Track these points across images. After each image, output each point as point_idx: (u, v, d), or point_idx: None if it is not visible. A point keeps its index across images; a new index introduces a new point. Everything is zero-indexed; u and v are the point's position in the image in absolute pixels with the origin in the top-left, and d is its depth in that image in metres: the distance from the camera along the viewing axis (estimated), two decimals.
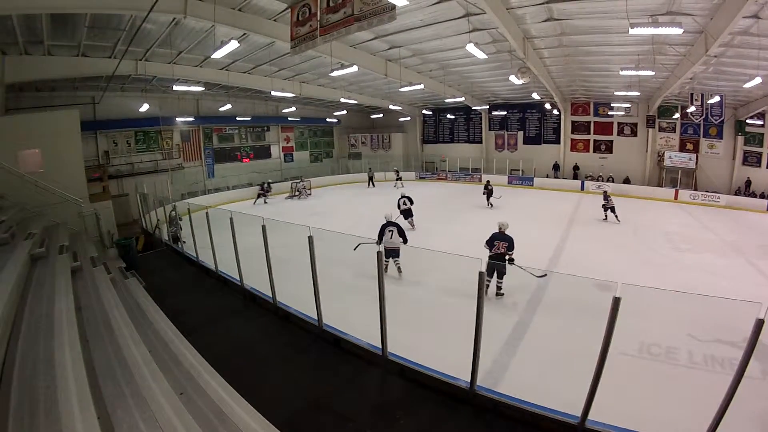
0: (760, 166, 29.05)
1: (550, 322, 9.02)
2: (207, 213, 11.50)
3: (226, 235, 10.17)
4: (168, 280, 11.67)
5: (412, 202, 17.72)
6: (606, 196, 19.95)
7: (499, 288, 10.07)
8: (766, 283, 12.67)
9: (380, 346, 6.68)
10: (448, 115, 39.86)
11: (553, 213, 22.20)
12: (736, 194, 28.94)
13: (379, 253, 6.23)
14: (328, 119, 38.54)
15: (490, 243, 10.28)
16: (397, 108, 34.94)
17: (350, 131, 43.05)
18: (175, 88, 20.26)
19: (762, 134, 28.83)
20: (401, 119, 40.31)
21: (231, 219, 9.95)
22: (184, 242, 14.27)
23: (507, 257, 9.98)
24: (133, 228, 20.43)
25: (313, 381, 6.41)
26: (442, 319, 8.57)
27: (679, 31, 12.34)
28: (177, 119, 27.24)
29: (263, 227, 8.49)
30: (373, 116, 41.33)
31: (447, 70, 23.95)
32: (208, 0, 12.43)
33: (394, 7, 8.71)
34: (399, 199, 17.82)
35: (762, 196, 27.67)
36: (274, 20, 14.49)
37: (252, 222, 8.93)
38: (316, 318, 7.74)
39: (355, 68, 17.33)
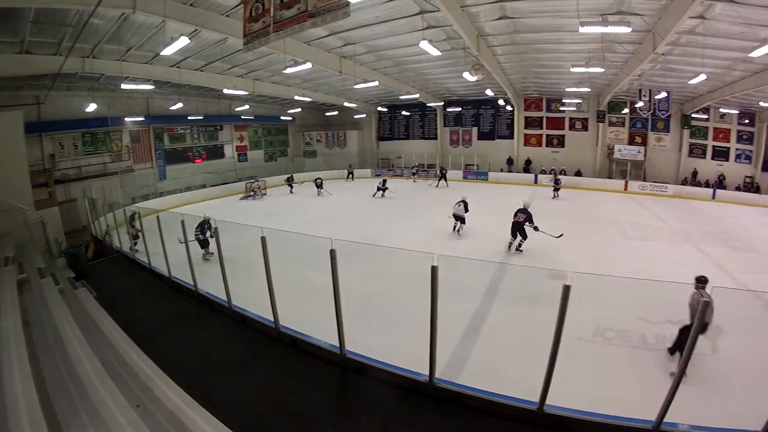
0: (705, 158, 31.69)
1: (507, 311, 9.19)
2: (158, 217, 11.17)
3: (178, 238, 9.96)
4: (120, 289, 11.23)
5: (467, 210, 16.50)
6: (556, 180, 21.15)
7: (519, 246, 14.17)
8: (712, 266, 13.39)
9: (338, 345, 6.65)
10: (404, 112, 39.92)
11: (507, 206, 22.40)
12: (683, 184, 31.02)
13: (332, 251, 6.16)
14: (282, 117, 38.23)
15: (515, 214, 13.96)
16: (353, 105, 34.63)
17: (305, 129, 42.59)
18: (123, 86, 19.54)
19: (706, 128, 31.26)
20: (356, 116, 40.15)
21: (182, 222, 9.72)
22: (137, 250, 13.65)
23: (528, 225, 13.61)
24: (82, 235, 19.47)
25: (273, 383, 6.34)
26: (401, 314, 8.56)
27: (627, 30, 12.83)
28: (126, 119, 26.14)
29: (215, 230, 8.33)
30: (328, 114, 40.80)
31: (402, 67, 24.01)
32: None
33: (348, 3, 8.63)
34: (455, 204, 16.56)
35: (707, 185, 30.55)
36: (227, 16, 14.11)
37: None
38: (272, 320, 7.63)
39: (309, 65, 17.06)
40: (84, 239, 17.86)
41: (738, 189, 30.02)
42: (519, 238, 13.95)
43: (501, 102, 33.97)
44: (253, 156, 37.55)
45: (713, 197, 28.98)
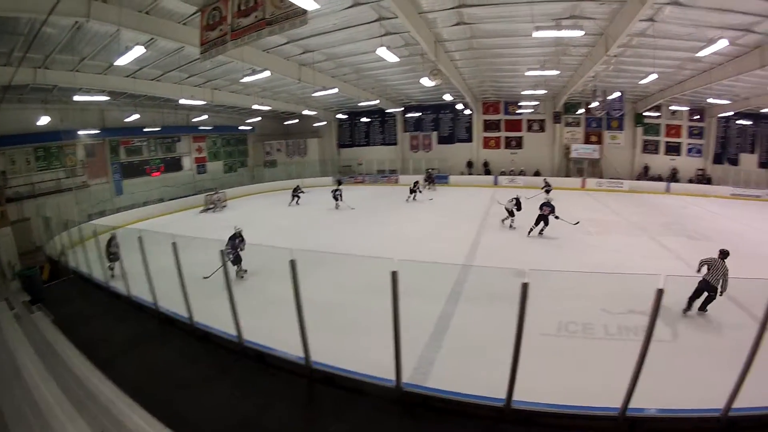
0: (657, 153, 34.45)
1: (472, 311, 9.25)
2: (114, 234, 10.85)
3: (137, 256, 9.54)
4: (78, 311, 10.74)
5: (519, 208, 18.06)
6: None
7: (541, 232, 16.47)
8: (669, 255, 14.20)
9: (304, 357, 6.58)
10: (363, 119, 39.95)
11: (469, 207, 23.14)
12: (637, 179, 33.01)
13: (292, 261, 6.08)
14: (241, 127, 37.65)
15: (540, 207, 16.39)
16: (312, 113, 34.49)
17: (265, 139, 42.02)
18: (76, 98, 18.95)
19: (658, 125, 33.58)
20: (316, 124, 39.72)
21: (140, 239, 9.45)
22: (113, 275, 12.37)
23: (553, 216, 16.12)
24: (36, 256, 18.59)
25: (239, 400, 6.22)
26: (366, 321, 8.46)
27: (580, 33, 13.29)
28: (80, 132, 25.00)
29: (174, 245, 8.13)
30: (287, 122, 40.41)
31: (361, 74, 24.03)
32: (112, 2, 11.59)
33: (305, 11, 8.62)
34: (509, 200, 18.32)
35: (659, 179, 32.94)
36: (184, 24, 13.72)
37: (166, 240, 8.43)
38: (236, 335, 7.48)
39: (267, 73, 16.96)
40: (39, 260, 17.05)
41: (691, 181, 32.39)
42: (542, 224, 16.41)
43: (460, 106, 34.63)
44: (212, 167, 36.69)
45: (667, 190, 30.91)
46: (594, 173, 34.31)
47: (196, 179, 34.64)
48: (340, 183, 24.77)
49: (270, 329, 7.74)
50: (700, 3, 13.52)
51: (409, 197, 26.33)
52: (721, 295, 8.37)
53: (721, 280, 8.27)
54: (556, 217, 16.27)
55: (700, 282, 8.59)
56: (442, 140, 38.60)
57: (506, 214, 18.46)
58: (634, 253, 14.15)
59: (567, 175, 34.45)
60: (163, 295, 9.39)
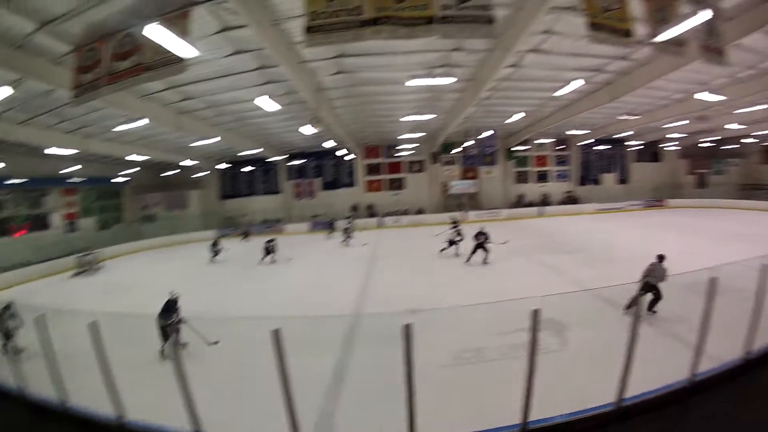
0: (528, 182, 39.39)
1: (368, 357, 9.04)
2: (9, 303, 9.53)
3: None
4: None
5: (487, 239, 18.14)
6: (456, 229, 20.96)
7: (485, 261, 17.30)
8: (547, 273, 15.43)
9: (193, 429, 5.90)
10: (246, 168, 38.96)
11: (354, 252, 23.21)
12: (513, 207, 36.83)
13: (180, 323, 5.52)
14: (116, 179, 34.58)
15: (475, 236, 17.52)
16: (193, 163, 33.35)
17: (142, 191, 38.67)
18: None
19: (527, 157, 38.46)
20: (197, 175, 38.21)
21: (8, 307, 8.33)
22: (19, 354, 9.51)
23: (487, 242, 17.27)
24: None
25: None
26: (255, 385, 7.60)
27: (451, 80, 14.40)
28: None
29: (38, 319, 7.11)
30: (166, 173, 38.23)
31: (243, 122, 23.59)
32: None
33: (183, 59, 8.54)
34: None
35: (533, 204, 37.63)
36: (57, 64, 12.19)
37: (31, 313, 7.28)
38: (116, 415, 6.38)
39: (145, 121, 16.33)
40: None
41: (561, 203, 37.71)
42: (481, 252, 17.39)
43: (342, 152, 35.25)
44: (84, 224, 32.87)
45: (541, 214, 35.20)
46: (473, 206, 36.73)
47: (67, 238, 30.38)
48: (270, 242, 22.59)
49: (154, 404, 6.62)
50: (558, 50, 15.37)
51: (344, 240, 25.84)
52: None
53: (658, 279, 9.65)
54: (498, 243, 17.80)
55: (643, 285, 9.64)
56: (326, 186, 38.91)
57: (447, 245, 20.04)
58: (517, 274, 15.26)
59: (448, 211, 35.92)
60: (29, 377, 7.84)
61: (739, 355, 6.58)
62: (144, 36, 7.98)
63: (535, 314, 5.02)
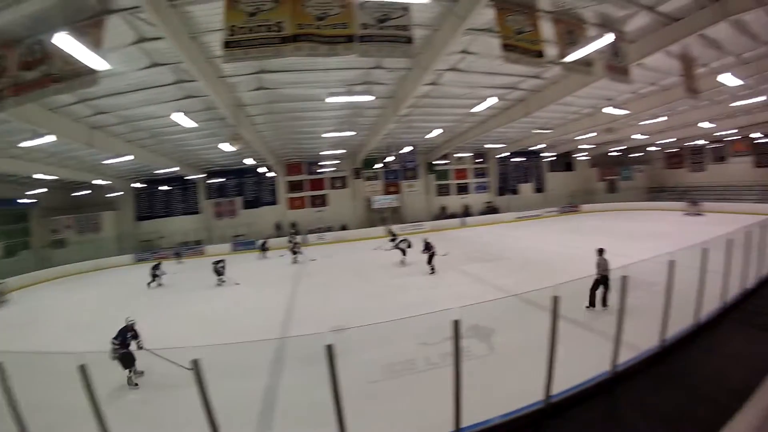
0: (449, 195, 41.14)
1: (298, 379, 8.69)
2: None
3: None
4: None
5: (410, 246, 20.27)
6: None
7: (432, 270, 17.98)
8: (473, 282, 15.82)
9: None
10: (163, 187, 36.92)
11: (280, 272, 22.61)
12: (436, 219, 38.02)
13: (82, 367, 5.01)
14: (22, 200, 30.95)
15: (427, 247, 18.32)
16: (106, 182, 31.24)
17: (51, 213, 34.88)
18: None
19: (447, 170, 40.27)
20: (111, 195, 35.58)
21: None
22: None
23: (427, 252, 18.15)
24: None
25: None
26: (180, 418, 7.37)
27: (370, 98, 14.70)
28: None
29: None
30: (77, 193, 35.10)
31: (159, 139, 22.50)
32: None
33: (95, 71, 8.14)
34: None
35: (453, 216, 38.98)
36: None
37: None
38: None
39: (53, 137, 15.30)
40: None
41: (481, 213, 39.75)
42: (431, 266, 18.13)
43: (263, 169, 34.81)
44: None
45: (463, 224, 36.93)
46: (396, 220, 37.33)
47: None
48: (218, 263, 20.98)
49: None
50: (474, 68, 16.14)
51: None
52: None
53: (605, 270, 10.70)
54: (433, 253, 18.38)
55: (597, 279, 10.80)
56: (247, 205, 37.85)
57: (401, 253, 21.04)
58: (442, 285, 15.59)
59: (372, 225, 36.62)
60: None
61: (656, 343, 7.05)
62: (54, 45, 7.46)
63: (456, 324, 5.11)
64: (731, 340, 7.78)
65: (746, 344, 7.51)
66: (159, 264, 21.92)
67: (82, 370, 4.78)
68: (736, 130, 32.95)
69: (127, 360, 8.90)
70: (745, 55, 16.51)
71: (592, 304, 10.85)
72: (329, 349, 4.71)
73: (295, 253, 25.40)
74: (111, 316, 11.73)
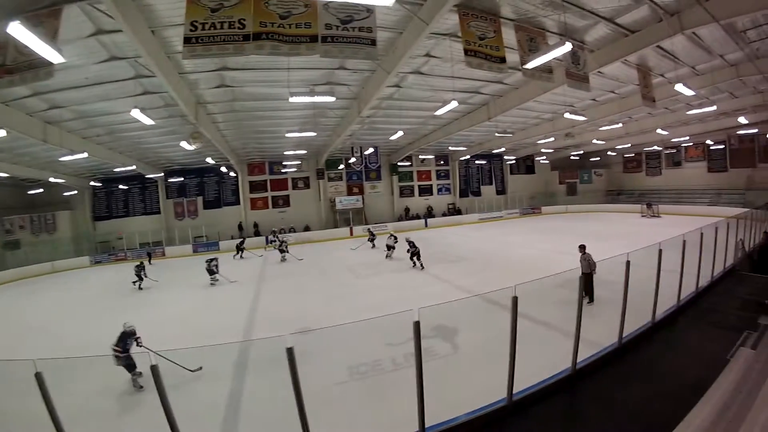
0: (413, 196, 41.48)
1: (262, 382, 8.43)
2: None
3: None
4: None
5: (396, 240, 21.65)
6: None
7: (421, 265, 18.55)
8: (435, 282, 15.94)
9: None
10: (121, 186, 35.40)
11: (243, 274, 21.69)
12: (399, 220, 38.46)
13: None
14: None
15: (411, 246, 18.93)
16: (61, 180, 29.56)
17: (3, 213, 33.09)
18: None
19: (411, 172, 40.78)
20: (67, 193, 33.88)
21: None
22: None
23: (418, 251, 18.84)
24: None
25: None
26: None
27: (332, 99, 14.68)
28: None
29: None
30: (32, 192, 33.05)
31: (116, 135, 21.80)
32: None
33: (50, 63, 7.85)
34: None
35: (418, 217, 39.56)
36: None
37: None
38: None
39: (3, 132, 14.43)
40: None
41: (444, 215, 40.38)
42: (417, 261, 18.78)
43: (224, 169, 34.19)
44: None
45: (426, 225, 37.51)
46: (359, 221, 37.32)
47: None
48: (211, 262, 19.88)
49: None
50: (437, 72, 16.41)
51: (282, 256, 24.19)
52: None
53: (591, 266, 10.83)
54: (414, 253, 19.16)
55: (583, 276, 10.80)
56: (208, 205, 36.73)
57: (387, 250, 22.04)
58: (406, 286, 15.47)
59: (335, 226, 36.60)
60: None
61: (615, 341, 7.25)
62: (8, 34, 6.94)
63: (416, 326, 5.16)
64: (687, 336, 8.10)
65: (701, 340, 7.85)
66: (142, 264, 21.04)
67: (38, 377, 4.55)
68: (688, 137, 35.01)
69: (130, 365, 8.63)
70: (699, 67, 17.36)
71: (590, 299, 10.90)
72: (290, 353, 4.68)
73: (282, 251, 24.80)
74: (71, 320, 11.25)
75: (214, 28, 7.87)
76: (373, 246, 25.79)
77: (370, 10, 8.90)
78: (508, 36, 11.42)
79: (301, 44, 8.32)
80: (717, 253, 11.48)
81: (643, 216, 33.09)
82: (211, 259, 19.93)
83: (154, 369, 4.62)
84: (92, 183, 33.62)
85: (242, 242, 28.77)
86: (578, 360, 6.62)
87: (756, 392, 4.96)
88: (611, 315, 7.42)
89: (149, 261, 28.32)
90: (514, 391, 5.92)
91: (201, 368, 8.58)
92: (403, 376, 7.55)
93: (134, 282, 20.15)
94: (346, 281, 17.58)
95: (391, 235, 22.77)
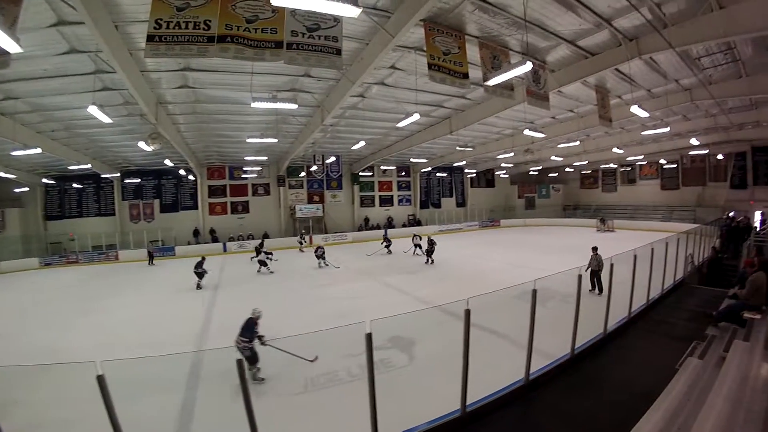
0: (374, 206, 41.73)
1: (213, 395, 7.91)
2: None
3: None
4: None
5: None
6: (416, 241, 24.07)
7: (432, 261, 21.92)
8: (394, 292, 15.95)
9: None
10: (75, 185, 33.78)
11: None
12: (359, 230, 38.51)
13: None
14: None
15: (429, 243, 22.13)
16: (12, 176, 28.00)
17: None
18: None
19: (372, 182, 40.95)
20: (17, 190, 32.05)
21: None
22: None
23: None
24: None
25: None
26: None
27: (295, 106, 14.73)
28: None
29: None
30: None
31: (73, 132, 21.08)
32: None
33: (6, 52, 7.51)
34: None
35: (378, 227, 39.42)
36: None
37: None
38: None
39: None
40: None
41: (404, 225, 40.66)
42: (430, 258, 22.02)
43: (183, 171, 33.43)
44: None
45: (385, 235, 35.56)
46: (319, 229, 37.35)
47: None
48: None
49: None
50: (401, 84, 16.65)
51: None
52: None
53: (599, 264, 13.19)
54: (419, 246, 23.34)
55: (591, 274, 13.34)
56: (165, 208, 35.49)
57: (414, 248, 24.83)
58: (366, 296, 15.49)
59: (295, 234, 35.77)
60: None
61: (567, 352, 7.43)
62: None
63: (368, 338, 5.20)
64: (637, 347, 8.38)
65: (651, 351, 8.12)
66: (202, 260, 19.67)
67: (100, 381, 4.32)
68: (642, 156, 36.77)
69: (253, 357, 8.34)
70: (654, 90, 18.15)
71: (593, 288, 13.09)
72: (240, 364, 4.61)
73: (319, 257, 23.25)
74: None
75: (178, 27, 7.75)
76: (389, 252, 26.70)
77: (336, 19, 8.93)
78: (472, 52, 11.66)
79: (266, 50, 8.29)
80: (668, 267, 11.95)
81: (597, 230, 34.62)
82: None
83: (100, 379, 4.27)
84: (45, 180, 31.78)
85: (261, 244, 27.33)
86: (531, 371, 6.74)
87: (703, 400, 5.14)
88: (564, 327, 7.60)
89: (150, 262, 28.12)
90: (470, 402, 5.97)
91: (317, 358, 8.48)
92: (359, 387, 7.40)
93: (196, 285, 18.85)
94: (302, 290, 17.35)
95: (415, 235, 25.31)
